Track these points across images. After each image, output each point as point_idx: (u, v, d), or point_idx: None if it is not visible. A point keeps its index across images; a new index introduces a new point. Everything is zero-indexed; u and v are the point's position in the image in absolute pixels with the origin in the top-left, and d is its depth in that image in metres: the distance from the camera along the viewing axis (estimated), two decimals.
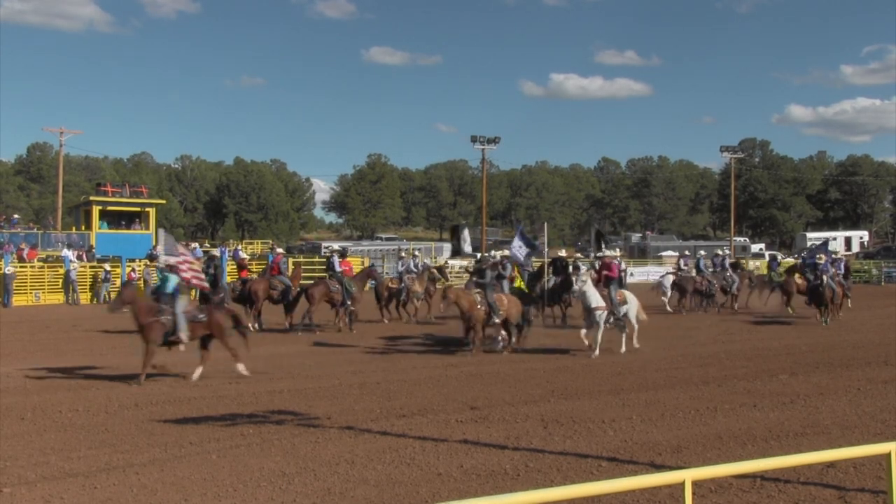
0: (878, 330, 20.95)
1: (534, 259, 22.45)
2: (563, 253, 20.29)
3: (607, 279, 17.09)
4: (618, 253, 21.75)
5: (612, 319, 16.42)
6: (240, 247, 44.41)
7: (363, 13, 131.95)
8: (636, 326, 17.09)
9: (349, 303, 21.05)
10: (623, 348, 16.55)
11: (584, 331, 16.25)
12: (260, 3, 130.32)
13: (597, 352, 15.90)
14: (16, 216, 44.57)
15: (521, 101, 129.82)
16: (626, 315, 16.78)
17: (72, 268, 33.52)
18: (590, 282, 16.45)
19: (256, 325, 21.63)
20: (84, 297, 33.34)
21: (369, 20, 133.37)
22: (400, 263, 24.94)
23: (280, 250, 25.91)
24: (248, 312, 21.87)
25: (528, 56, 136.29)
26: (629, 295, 17.21)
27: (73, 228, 42.14)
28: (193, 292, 21.54)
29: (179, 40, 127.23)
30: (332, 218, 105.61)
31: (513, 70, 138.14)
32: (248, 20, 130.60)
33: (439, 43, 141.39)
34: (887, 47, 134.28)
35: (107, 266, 34.09)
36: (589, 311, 16.19)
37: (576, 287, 16.58)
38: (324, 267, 23.70)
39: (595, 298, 16.10)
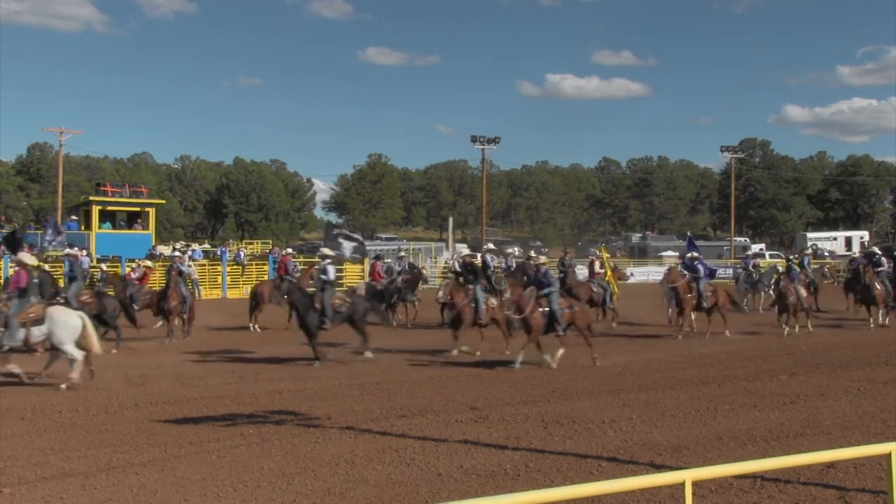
0: (877, 330, 20.92)
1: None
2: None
3: (19, 291, 12.76)
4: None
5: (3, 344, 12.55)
6: (196, 246, 43.62)
7: (360, 13, 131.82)
8: (75, 355, 12.69)
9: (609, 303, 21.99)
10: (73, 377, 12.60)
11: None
12: (256, 3, 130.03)
13: (76, 378, 12.49)
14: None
15: (518, 101, 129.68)
16: (47, 341, 12.75)
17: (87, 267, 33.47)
18: None
19: (257, 327, 21.75)
20: None
21: (366, 20, 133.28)
22: (397, 264, 24.93)
23: (290, 250, 25.80)
24: (252, 315, 22.04)
25: (524, 56, 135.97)
26: (59, 312, 13.04)
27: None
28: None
29: (177, 41, 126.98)
30: (332, 218, 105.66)
31: (509, 70, 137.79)
32: (245, 21, 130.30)
33: (436, 44, 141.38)
34: (883, 48, 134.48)
35: (103, 266, 34.07)
36: None
37: None
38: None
39: None
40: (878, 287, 21.38)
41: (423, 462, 8.22)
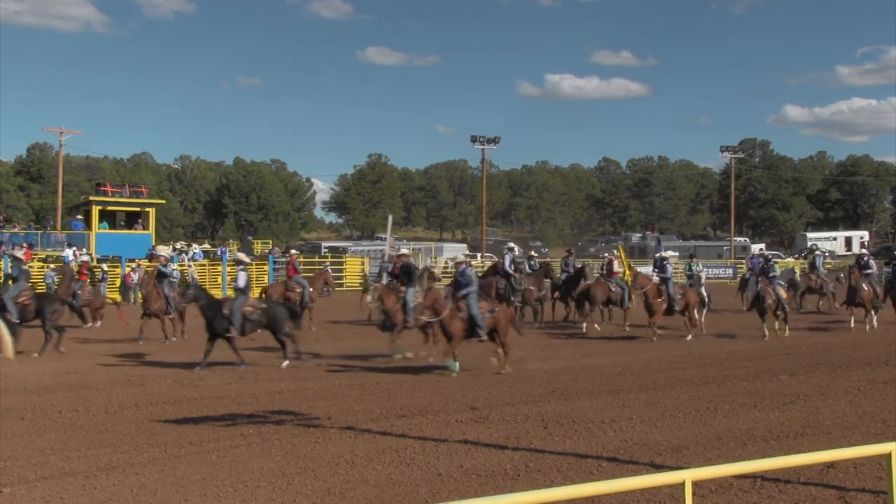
0: (878, 330, 20.91)
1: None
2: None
3: None
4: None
5: None
6: (196, 247, 43.28)
7: (360, 13, 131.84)
8: None
9: (628, 302, 21.83)
10: None
11: None
12: (256, 3, 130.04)
13: None
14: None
15: (518, 101, 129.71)
16: None
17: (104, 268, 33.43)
18: None
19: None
20: None
21: (366, 20, 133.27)
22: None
23: (293, 251, 25.76)
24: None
25: (523, 56, 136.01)
26: None
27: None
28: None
29: (176, 41, 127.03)
30: (332, 218, 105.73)
31: (509, 70, 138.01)
32: (244, 21, 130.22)
33: (436, 43, 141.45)
34: (882, 48, 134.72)
35: (104, 266, 34.04)
36: None
37: None
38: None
39: None
40: (866, 289, 21.01)
41: (423, 462, 8.22)
